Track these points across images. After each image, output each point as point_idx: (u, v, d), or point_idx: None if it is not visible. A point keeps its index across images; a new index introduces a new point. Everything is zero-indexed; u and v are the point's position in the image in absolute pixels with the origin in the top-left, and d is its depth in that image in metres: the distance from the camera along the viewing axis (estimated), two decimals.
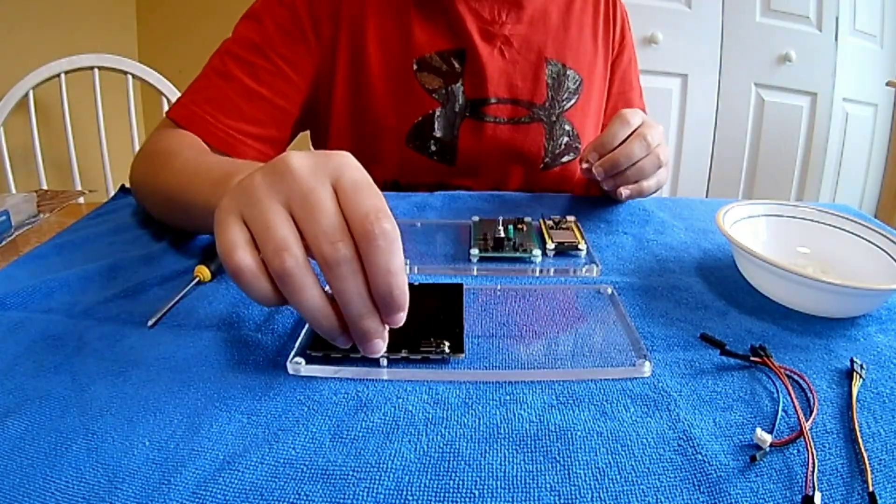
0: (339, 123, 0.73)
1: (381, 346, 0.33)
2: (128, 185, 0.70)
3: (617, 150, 0.56)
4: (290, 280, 0.30)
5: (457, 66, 0.71)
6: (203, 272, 0.46)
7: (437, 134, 0.72)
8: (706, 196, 1.93)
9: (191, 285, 0.45)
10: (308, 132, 0.79)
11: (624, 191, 0.58)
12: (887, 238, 0.46)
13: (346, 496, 0.27)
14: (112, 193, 0.72)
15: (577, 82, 0.75)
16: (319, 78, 0.69)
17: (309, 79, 0.69)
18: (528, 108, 0.74)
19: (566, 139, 0.76)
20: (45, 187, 1.26)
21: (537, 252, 0.50)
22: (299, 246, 0.31)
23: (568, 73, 0.75)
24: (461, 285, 0.44)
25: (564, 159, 0.77)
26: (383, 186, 0.74)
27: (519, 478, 0.28)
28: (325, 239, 0.30)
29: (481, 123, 0.72)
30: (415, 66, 0.70)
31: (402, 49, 0.70)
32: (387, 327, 0.33)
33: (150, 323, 0.40)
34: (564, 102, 0.75)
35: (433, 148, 0.72)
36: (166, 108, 1.28)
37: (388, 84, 0.70)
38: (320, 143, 0.77)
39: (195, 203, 0.46)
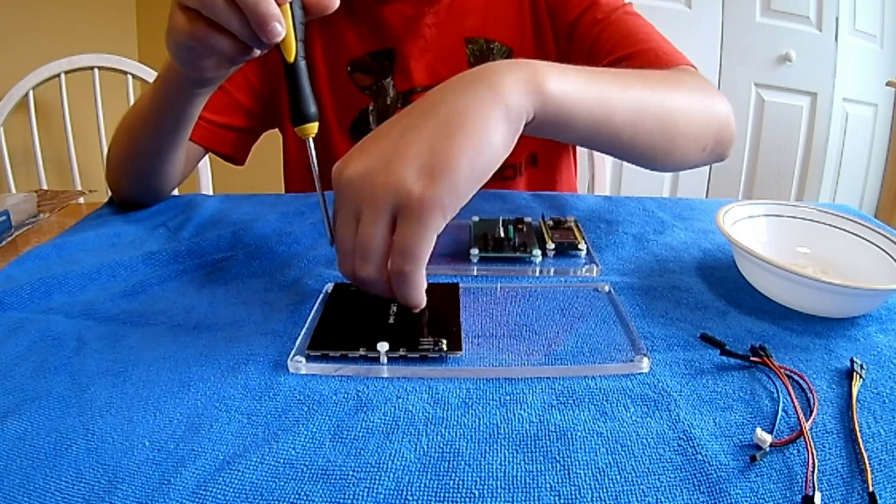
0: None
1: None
2: None
3: None
4: None
5: (387, 63, 0.75)
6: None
7: (373, 126, 0.76)
8: (706, 196, 1.93)
9: (311, 147, 0.43)
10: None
11: None
12: (887, 238, 0.46)
13: (346, 496, 0.27)
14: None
15: (505, 53, 0.75)
16: (270, 77, 0.75)
17: (263, 76, 0.75)
18: None
19: None
20: (45, 187, 1.26)
21: (537, 252, 0.50)
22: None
23: (492, 46, 0.75)
24: (457, 284, 0.44)
25: None
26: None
27: (519, 478, 0.28)
28: None
29: None
30: (348, 68, 0.75)
31: (336, 51, 0.75)
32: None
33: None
34: None
35: None
36: None
37: (330, 83, 0.76)
38: (284, 142, 0.82)
39: (158, 101, 0.55)
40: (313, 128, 0.42)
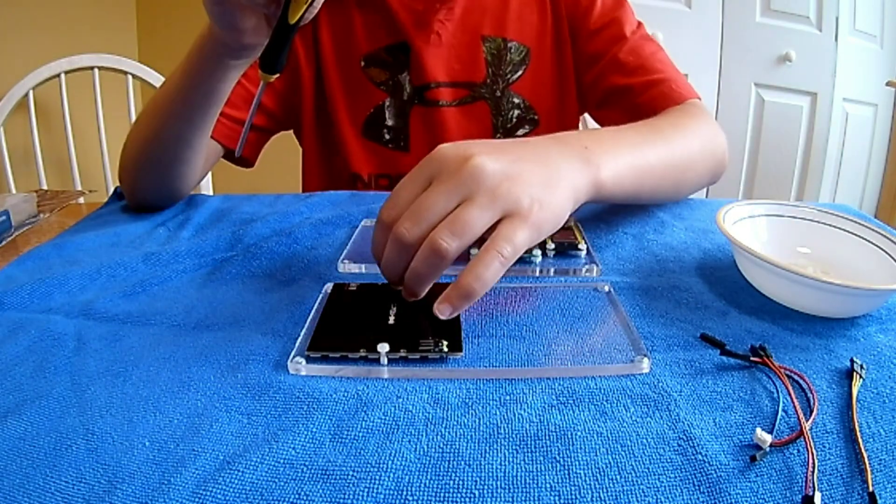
0: (308, 120, 0.78)
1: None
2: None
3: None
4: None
5: (402, 57, 0.75)
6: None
7: (389, 122, 0.76)
8: (706, 196, 1.92)
9: (261, 88, 0.48)
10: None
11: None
12: (887, 238, 0.46)
13: (346, 496, 0.27)
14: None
15: (523, 53, 0.77)
16: (292, 79, 0.75)
17: (285, 78, 0.74)
18: (468, 87, 0.76)
19: (517, 112, 0.78)
20: (45, 187, 1.26)
21: (537, 252, 0.50)
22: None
23: (510, 45, 0.76)
24: None
25: (520, 132, 0.79)
26: (347, 181, 0.77)
27: (519, 478, 0.28)
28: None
29: (428, 109, 0.76)
30: (362, 63, 0.75)
31: (349, 46, 0.75)
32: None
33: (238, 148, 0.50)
34: (509, 76, 0.77)
35: (387, 136, 0.76)
36: None
37: (342, 79, 0.75)
38: (299, 140, 0.83)
39: (188, 76, 0.55)
40: (273, 78, 0.48)
